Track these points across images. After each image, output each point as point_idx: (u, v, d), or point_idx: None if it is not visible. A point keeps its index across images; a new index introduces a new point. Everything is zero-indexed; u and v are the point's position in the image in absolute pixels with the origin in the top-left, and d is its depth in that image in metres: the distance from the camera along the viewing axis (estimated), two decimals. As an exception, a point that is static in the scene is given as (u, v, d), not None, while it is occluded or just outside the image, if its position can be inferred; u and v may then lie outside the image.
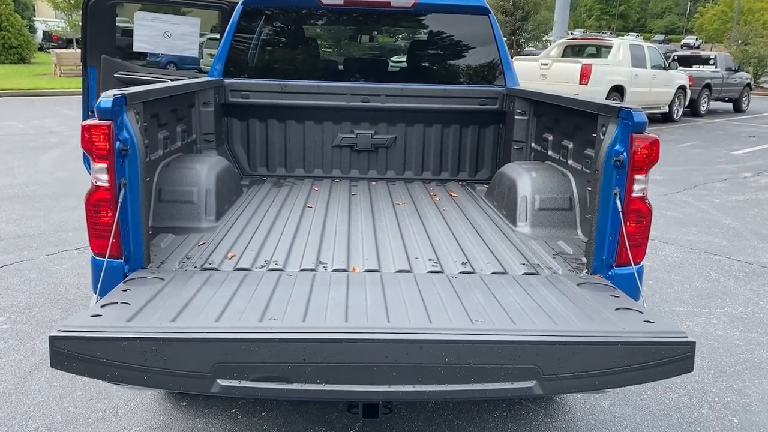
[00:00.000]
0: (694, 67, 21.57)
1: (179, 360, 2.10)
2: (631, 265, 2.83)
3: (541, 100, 4.27)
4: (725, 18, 64.46)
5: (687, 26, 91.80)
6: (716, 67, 21.84)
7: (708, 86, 20.79)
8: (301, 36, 5.30)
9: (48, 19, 39.24)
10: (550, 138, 4.18)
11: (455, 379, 2.16)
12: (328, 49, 5.75)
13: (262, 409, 3.63)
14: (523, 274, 2.95)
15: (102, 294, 2.62)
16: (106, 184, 2.65)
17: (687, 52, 24.56)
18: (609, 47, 17.18)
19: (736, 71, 22.65)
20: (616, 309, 2.49)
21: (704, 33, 70.75)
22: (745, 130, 18.05)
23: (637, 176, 2.79)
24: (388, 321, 2.32)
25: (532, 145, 4.56)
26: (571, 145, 3.79)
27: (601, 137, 2.98)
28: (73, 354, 2.06)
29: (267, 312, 2.35)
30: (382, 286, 2.68)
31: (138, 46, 5.66)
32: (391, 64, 5.43)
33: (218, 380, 2.12)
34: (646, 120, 2.78)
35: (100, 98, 2.64)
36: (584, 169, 3.53)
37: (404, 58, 5.37)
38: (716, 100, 21.98)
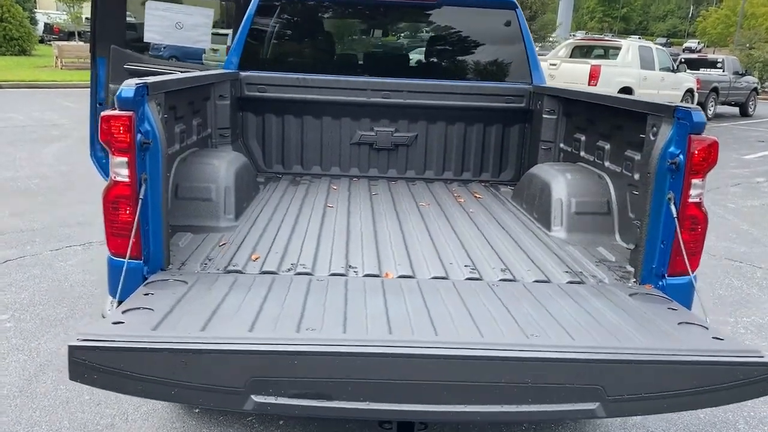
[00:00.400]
0: (701, 71, 21.43)
1: (211, 374, 1.92)
2: (687, 275, 2.66)
3: (575, 98, 4.10)
4: (728, 22, 64.33)
5: (689, 30, 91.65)
6: (724, 71, 21.70)
7: (715, 90, 20.63)
8: (320, 29, 5.12)
9: (50, 11, 38.96)
10: (583, 138, 4.01)
11: (511, 400, 1.99)
12: (348, 43, 5.57)
13: (279, 417, 3.46)
14: (568, 282, 2.78)
15: (122, 297, 2.44)
16: (127, 180, 2.47)
17: (694, 55, 24.45)
18: (617, 48, 17.03)
19: (743, 75, 22.52)
20: (679, 323, 2.32)
21: (707, 37, 70.62)
22: (752, 134, 17.89)
23: (694, 180, 2.62)
24: (436, 334, 2.15)
25: (561, 145, 4.39)
26: (607, 147, 3.62)
27: (651, 138, 2.81)
28: (94, 366, 1.89)
29: (303, 321, 2.18)
30: (422, 295, 2.50)
31: (149, 36, 5.49)
32: (413, 59, 5.25)
33: (253, 396, 1.94)
34: (705, 120, 2.62)
35: (121, 87, 2.46)
36: (624, 171, 3.36)
37: (427, 54, 5.20)
38: (723, 103, 21.80)
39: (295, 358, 1.93)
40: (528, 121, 4.75)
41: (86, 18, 34.80)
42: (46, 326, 4.48)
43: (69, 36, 34.19)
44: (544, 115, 4.45)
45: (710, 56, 23.74)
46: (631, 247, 2.96)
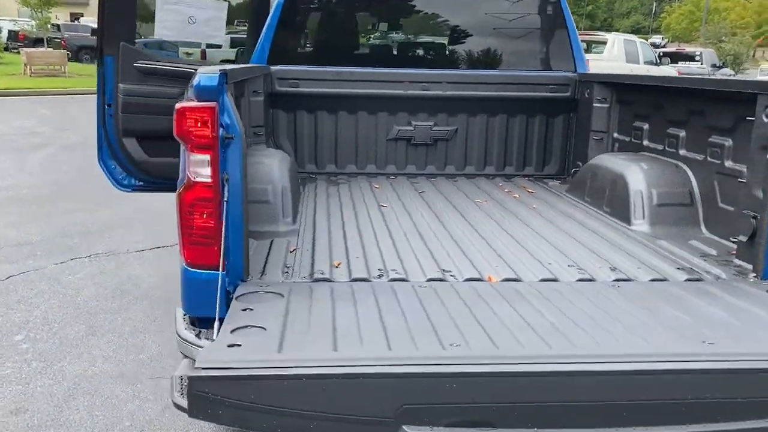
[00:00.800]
0: (680, 63, 21.64)
1: (357, 402, 1.63)
2: None
3: (642, 83, 3.88)
4: (692, 17, 65.46)
5: (653, 26, 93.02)
6: (702, 64, 21.94)
7: (695, 82, 20.78)
8: (352, 18, 4.83)
9: (12, 18, 37.78)
10: (646, 127, 3.79)
11: (698, 418, 1.73)
12: (383, 33, 5.28)
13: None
14: (687, 280, 2.54)
15: (220, 315, 2.14)
16: (208, 180, 2.16)
17: (673, 49, 24.74)
18: (602, 43, 17.09)
19: (720, 68, 22.79)
20: None
21: (671, 32, 71.74)
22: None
23: None
24: (597, 344, 1.88)
25: (615, 135, 4.17)
26: (683, 134, 3.41)
27: (765, 120, 2.59)
28: (219, 399, 1.58)
29: (439, 336, 1.89)
30: (548, 300, 2.24)
31: (160, 33, 5.15)
32: (452, 48, 4.98)
33: (405, 427, 1.65)
34: None
35: (198, 75, 2.15)
36: (710, 159, 3.14)
37: (467, 42, 4.93)
38: (702, 95, 21.99)
39: (453, 381, 1.65)
40: (573, 110, 4.52)
41: (51, 24, 33.88)
42: (66, 346, 4.12)
43: (35, 43, 33.16)
44: (595, 104, 4.23)
45: (688, 49, 24.02)
46: (742, 238, 2.73)
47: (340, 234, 3.02)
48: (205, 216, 2.19)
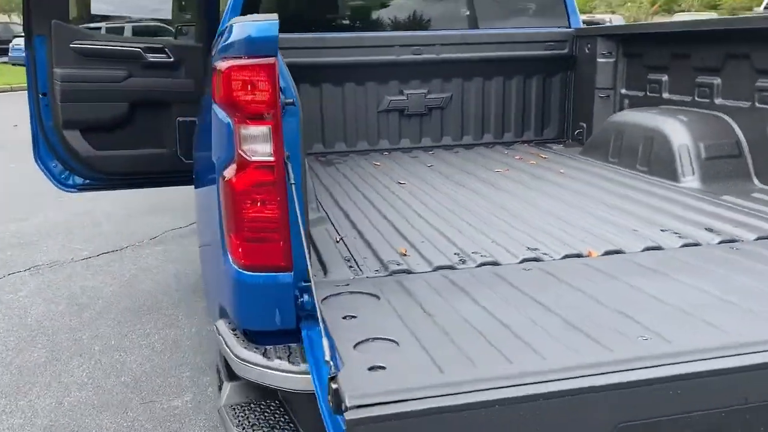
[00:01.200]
0: (592, 31, 22.24)
1: (567, 426, 1.25)
2: None
3: (660, 31, 3.62)
4: (589, -12, 67.96)
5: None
6: (612, 30, 22.60)
7: (608, 48, 21.39)
8: None
9: None
10: (664, 79, 3.55)
11: None
12: None
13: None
14: None
15: (292, 325, 1.68)
16: (269, 158, 1.67)
17: (584, 17, 25.36)
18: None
19: (629, 34, 23.55)
20: None
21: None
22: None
23: None
24: None
25: (623, 91, 3.91)
26: (717, 81, 3.17)
27: None
28: None
29: (615, 327, 1.53)
30: (680, 271, 1.92)
31: (97, 8, 4.51)
32: (441, 7, 4.57)
33: None
34: None
35: (243, 25, 1.66)
36: (759, 104, 2.92)
37: (456, 1, 4.55)
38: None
39: (678, 386, 1.29)
40: (571, 68, 4.24)
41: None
42: (28, 376, 3.53)
43: None
44: (599, 60, 3.96)
45: (598, 16, 24.76)
46: None
47: (380, 218, 2.61)
48: (261, 205, 1.70)
